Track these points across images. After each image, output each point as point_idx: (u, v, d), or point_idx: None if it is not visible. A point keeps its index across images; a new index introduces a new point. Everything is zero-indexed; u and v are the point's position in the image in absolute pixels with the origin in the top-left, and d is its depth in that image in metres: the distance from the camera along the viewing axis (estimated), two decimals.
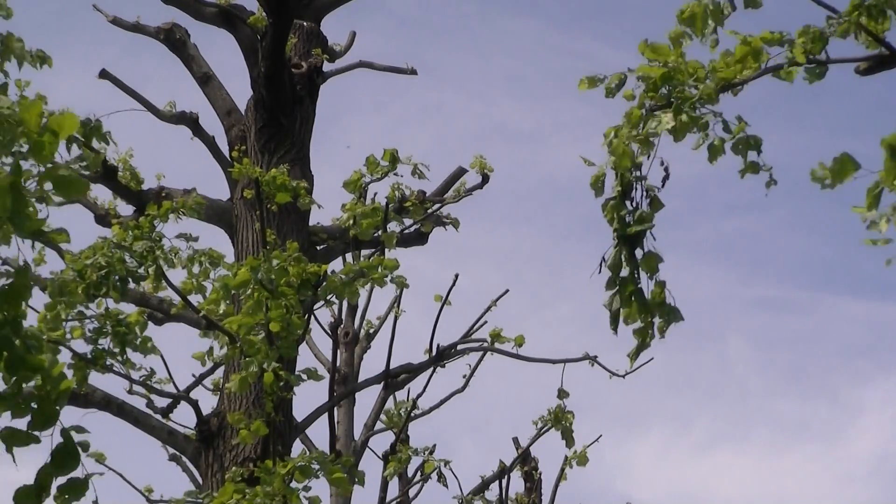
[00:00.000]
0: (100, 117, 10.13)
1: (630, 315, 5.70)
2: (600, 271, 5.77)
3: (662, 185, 5.73)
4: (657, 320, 5.70)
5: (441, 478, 11.19)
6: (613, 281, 5.72)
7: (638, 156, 5.71)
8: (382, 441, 12.12)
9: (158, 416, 9.56)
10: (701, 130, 5.64)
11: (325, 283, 8.20)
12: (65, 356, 8.15)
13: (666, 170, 5.75)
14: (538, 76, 25.80)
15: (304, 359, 11.01)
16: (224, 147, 10.93)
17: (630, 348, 5.78)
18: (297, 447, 9.81)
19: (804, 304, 26.55)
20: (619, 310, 5.72)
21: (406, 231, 10.75)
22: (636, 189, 5.73)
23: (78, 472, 4.68)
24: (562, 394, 10.97)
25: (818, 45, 5.61)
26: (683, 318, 5.71)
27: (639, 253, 5.73)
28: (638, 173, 5.72)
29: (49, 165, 4.14)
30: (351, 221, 9.54)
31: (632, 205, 5.72)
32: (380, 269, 8.40)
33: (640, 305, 5.68)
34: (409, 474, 11.55)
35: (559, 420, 10.94)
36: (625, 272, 5.72)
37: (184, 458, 9.94)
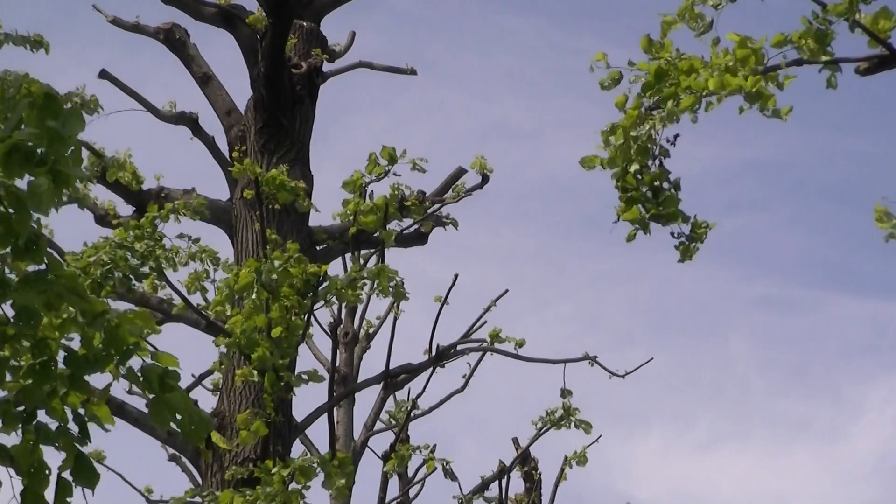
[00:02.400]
0: (99, 117, 10.16)
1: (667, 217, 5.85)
2: (617, 221, 5.89)
3: (674, 144, 5.86)
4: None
5: (448, 473, 11.21)
6: (631, 199, 5.85)
7: (640, 159, 5.76)
8: (382, 441, 12.15)
9: None
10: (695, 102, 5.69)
11: (325, 285, 8.20)
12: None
13: (672, 140, 5.85)
14: (539, 74, 25.80)
15: (304, 359, 11.05)
16: (224, 147, 10.93)
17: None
18: (298, 447, 9.83)
19: (806, 303, 26.55)
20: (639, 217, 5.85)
21: (406, 231, 10.75)
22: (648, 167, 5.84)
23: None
24: (565, 393, 11.04)
25: (822, 44, 5.62)
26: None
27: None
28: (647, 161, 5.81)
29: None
30: (351, 218, 9.53)
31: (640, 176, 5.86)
32: (383, 274, 8.42)
33: (671, 207, 5.83)
34: (410, 474, 11.55)
35: (570, 415, 11.02)
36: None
37: (183, 459, 9.95)
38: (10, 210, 4.05)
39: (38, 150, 4.05)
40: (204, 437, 4.50)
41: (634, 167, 5.75)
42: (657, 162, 5.82)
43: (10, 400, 4.22)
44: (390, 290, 8.73)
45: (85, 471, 4.30)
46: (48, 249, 4.19)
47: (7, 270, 4.14)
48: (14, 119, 4.02)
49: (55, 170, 4.05)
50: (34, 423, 4.23)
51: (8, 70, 4.19)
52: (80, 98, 9.86)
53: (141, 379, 4.39)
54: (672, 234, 6.01)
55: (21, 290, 4.08)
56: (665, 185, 5.81)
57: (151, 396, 4.43)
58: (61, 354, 4.28)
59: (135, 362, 4.42)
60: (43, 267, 4.15)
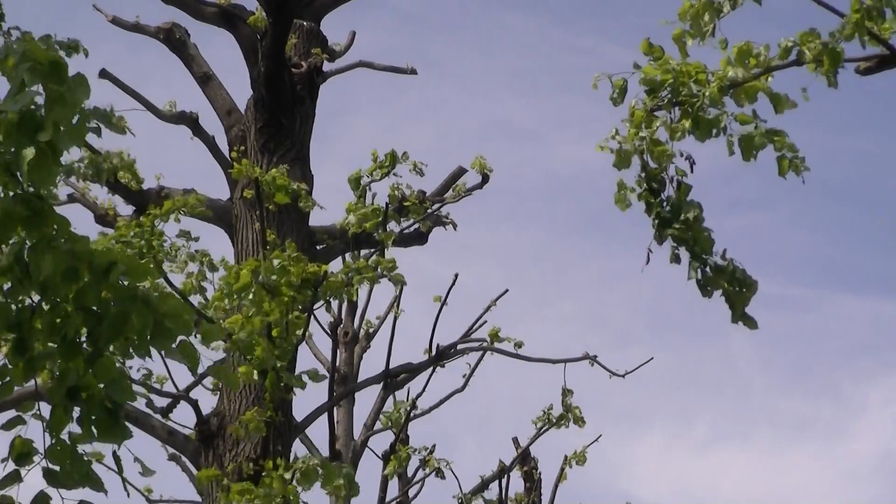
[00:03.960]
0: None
1: (715, 279, 5.78)
2: (648, 262, 5.87)
3: (691, 170, 5.84)
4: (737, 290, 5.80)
5: (440, 473, 11.22)
6: (676, 255, 5.82)
7: (658, 158, 5.77)
8: (382, 441, 12.14)
9: (158, 416, 9.56)
10: (722, 132, 5.70)
11: (325, 284, 8.20)
12: None
13: (689, 158, 5.84)
14: (541, 73, 25.76)
15: (305, 359, 11.04)
16: (224, 147, 10.93)
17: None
18: (298, 447, 9.83)
19: (807, 302, 26.52)
20: (702, 279, 5.81)
21: (406, 231, 10.76)
22: (664, 181, 5.82)
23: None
24: (566, 393, 11.08)
25: (834, 60, 5.65)
26: (757, 286, 5.82)
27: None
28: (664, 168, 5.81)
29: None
30: (352, 220, 9.54)
31: (663, 193, 5.83)
32: (378, 269, 8.41)
33: (717, 272, 5.78)
34: (409, 474, 11.55)
35: (569, 413, 11.08)
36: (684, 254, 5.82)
37: (183, 458, 9.94)
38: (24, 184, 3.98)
39: (39, 115, 3.97)
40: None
41: (649, 172, 5.74)
42: (675, 182, 5.82)
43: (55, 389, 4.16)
44: (386, 276, 8.72)
45: (116, 429, 4.23)
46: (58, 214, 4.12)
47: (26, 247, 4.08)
48: (15, 84, 3.95)
49: (54, 139, 3.96)
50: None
51: (10, 37, 4.11)
52: (107, 116, 9.82)
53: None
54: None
55: (36, 256, 4.00)
56: (690, 212, 5.77)
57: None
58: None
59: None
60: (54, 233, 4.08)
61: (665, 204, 5.82)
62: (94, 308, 4.13)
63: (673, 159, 5.81)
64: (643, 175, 5.79)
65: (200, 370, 10.62)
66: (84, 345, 4.15)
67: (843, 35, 5.63)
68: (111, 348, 4.19)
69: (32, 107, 3.97)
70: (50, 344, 4.14)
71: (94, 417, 4.14)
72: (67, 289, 4.07)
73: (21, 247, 4.08)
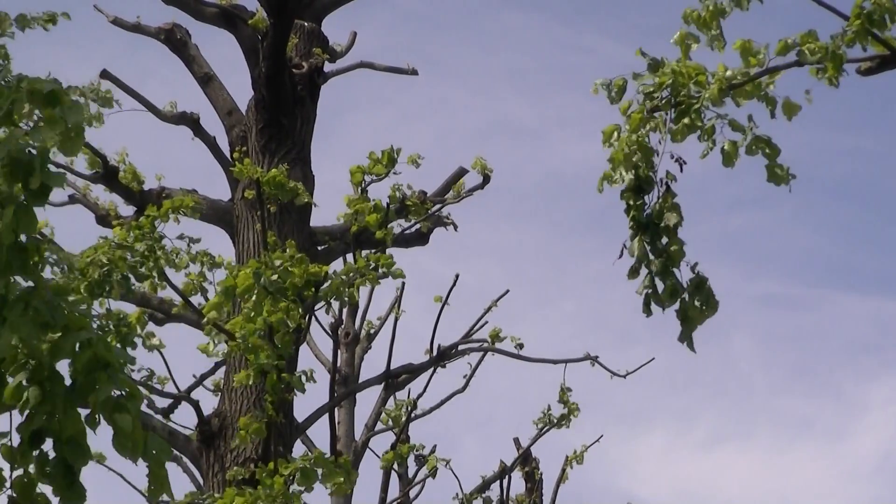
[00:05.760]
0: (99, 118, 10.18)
1: (665, 296, 5.76)
2: (621, 256, 5.85)
3: (681, 171, 5.83)
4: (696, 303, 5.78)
5: (433, 473, 11.22)
6: (636, 270, 5.80)
7: (644, 160, 5.76)
8: (383, 441, 12.15)
9: (159, 417, 9.57)
10: (708, 137, 5.70)
11: (327, 285, 8.19)
12: None
13: (679, 160, 5.84)
14: (543, 71, 25.75)
15: (305, 359, 11.03)
16: (225, 147, 10.93)
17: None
18: (299, 448, 9.82)
19: (809, 301, 26.52)
20: (650, 295, 5.80)
21: (407, 231, 10.76)
22: (652, 181, 5.82)
23: None
24: (564, 391, 11.10)
25: (837, 64, 5.65)
26: (718, 308, 5.80)
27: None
28: (651, 168, 5.80)
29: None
30: (354, 218, 9.54)
31: (647, 196, 5.82)
32: (379, 270, 8.40)
33: (674, 287, 5.77)
34: (410, 475, 11.55)
35: (571, 411, 11.12)
36: (650, 262, 5.79)
37: (184, 459, 9.94)
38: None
39: (30, 151, 3.96)
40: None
41: (638, 173, 5.74)
42: (664, 185, 5.82)
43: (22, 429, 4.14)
44: (386, 274, 8.72)
45: (72, 490, 4.19)
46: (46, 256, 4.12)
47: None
48: (3, 111, 3.94)
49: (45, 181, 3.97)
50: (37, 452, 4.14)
51: (8, 70, 4.13)
52: (94, 92, 9.91)
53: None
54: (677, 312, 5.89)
55: (11, 313, 4.00)
56: (670, 219, 5.75)
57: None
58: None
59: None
60: (31, 284, 4.09)
61: (647, 207, 5.83)
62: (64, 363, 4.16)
63: (657, 162, 5.81)
64: (632, 174, 5.79)
65: (201, 371, 10.61)
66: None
67: (845, 41, 5.64)
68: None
69: (21, 144, 3.96)
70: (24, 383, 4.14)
71: (50, 470, 4.12)
72: (40, 341, 4.08)
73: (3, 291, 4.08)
